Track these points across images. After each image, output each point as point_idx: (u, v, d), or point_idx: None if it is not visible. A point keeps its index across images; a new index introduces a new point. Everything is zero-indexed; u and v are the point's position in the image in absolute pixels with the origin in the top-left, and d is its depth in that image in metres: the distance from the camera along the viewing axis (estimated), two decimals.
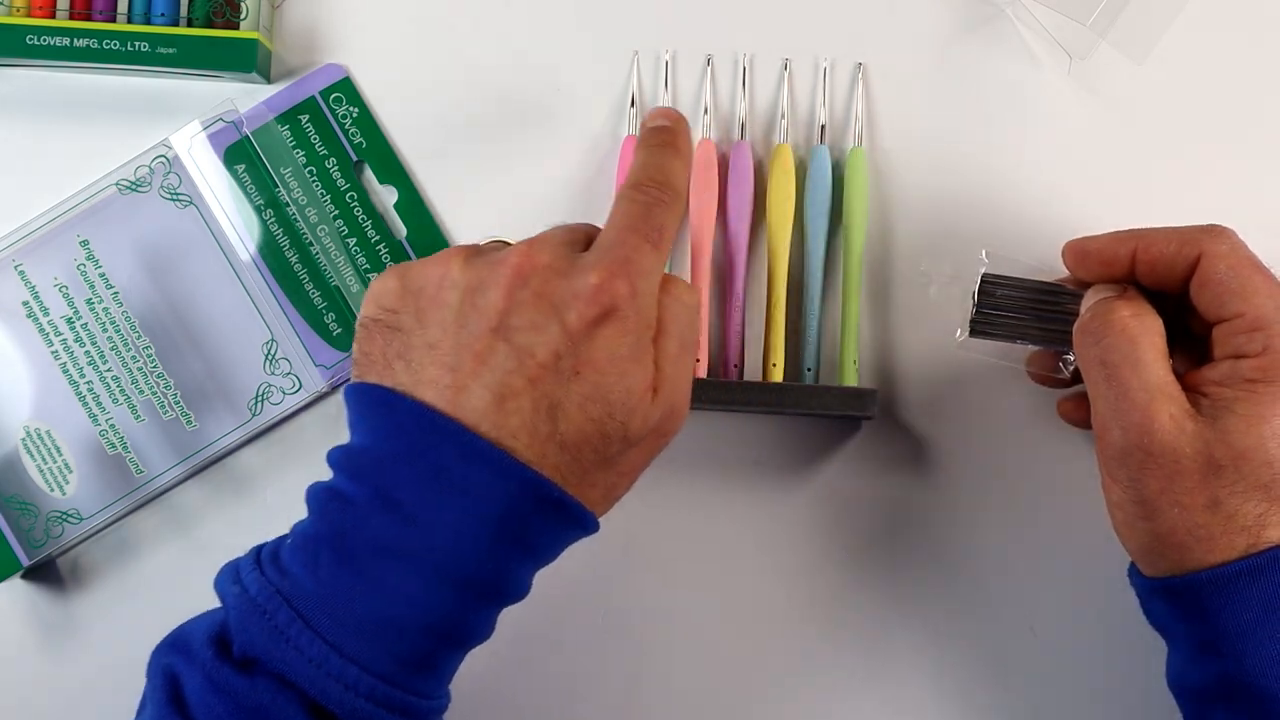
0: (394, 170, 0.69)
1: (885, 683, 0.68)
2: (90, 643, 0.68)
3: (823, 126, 0.69)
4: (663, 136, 0.59)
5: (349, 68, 0.70)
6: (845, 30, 0.69)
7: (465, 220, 0.70)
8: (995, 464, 0.68)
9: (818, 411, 0.66)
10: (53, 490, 0.67)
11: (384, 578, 0.52)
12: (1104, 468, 0.57)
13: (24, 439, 0.68)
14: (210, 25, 0.68)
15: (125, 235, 0.68)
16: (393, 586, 0.52)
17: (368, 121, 0.70)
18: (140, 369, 0.68)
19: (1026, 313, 0.62)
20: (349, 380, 0.56)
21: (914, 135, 0.69)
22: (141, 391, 0.68)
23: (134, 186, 0.68)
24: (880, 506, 0.68)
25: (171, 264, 0.68)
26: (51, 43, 0.67)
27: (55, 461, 0.68)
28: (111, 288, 0.68)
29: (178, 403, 0.68)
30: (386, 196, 0.70)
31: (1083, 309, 0.60)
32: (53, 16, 0.68)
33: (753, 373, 0.68)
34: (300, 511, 0.55)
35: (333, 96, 0.69)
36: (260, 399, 0.68)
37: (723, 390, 0.66)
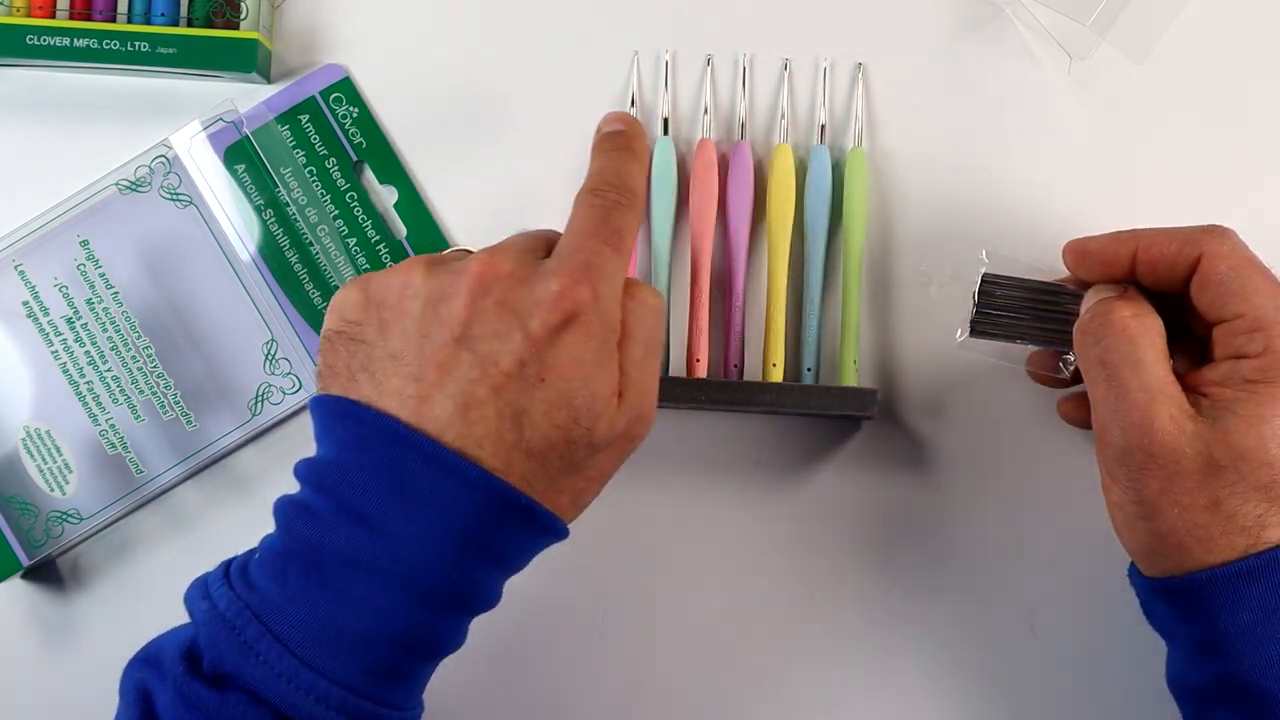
0: (394, 170, 0.69)
1: (885, 683, 0.68)
2: (90, 643, 0.68)
3: (823, 126, 0.69)
4: (618, 140, 0.60)
5: (349, 68, 0.70)
6: (845, 30, 0.69)
7: (465, 220, 0.70)
8: (995, 464, 0.68)
9: (818, 411, 0.66)
10: (53, 490, 0.67)
11: (351, 590, 0.52)
12: (1104, 468, 0.57)
13: (24, 439, 0.68)
14: (210, 25, 0.68)
15: (125, 235, 0.68)
16: (361, 599, 0.52)
17: (368, 121, 0.70)
18: (140, 369, 0.68)
19: (1026, 313, 0.62)
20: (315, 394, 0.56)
21: (914, 135, 0.69)
22: (141, 391, 0.68)
23: (134, 186, 0.68)
24: (880, 506, 0.68)
25: (171, 264, 0.68)
26: (51, 43, 0.67)
27: (55, 461, 0.68)
28: (111, 288, 0.68)
29: (178, 403, 0.68)
30: (386, 196, 0.70)
31: (1083, 309, 0.60)
32: (53, 16, 0.68)
33: (753, 373, 0.68)
34: None
35: (333, 96, 0.69)
36: (260, 399, 0.68)
37: (722, 390, 0.66)
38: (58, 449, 0.68)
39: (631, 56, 0.69)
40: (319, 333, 0.68)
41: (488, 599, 0.55)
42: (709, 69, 0.69)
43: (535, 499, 0.53)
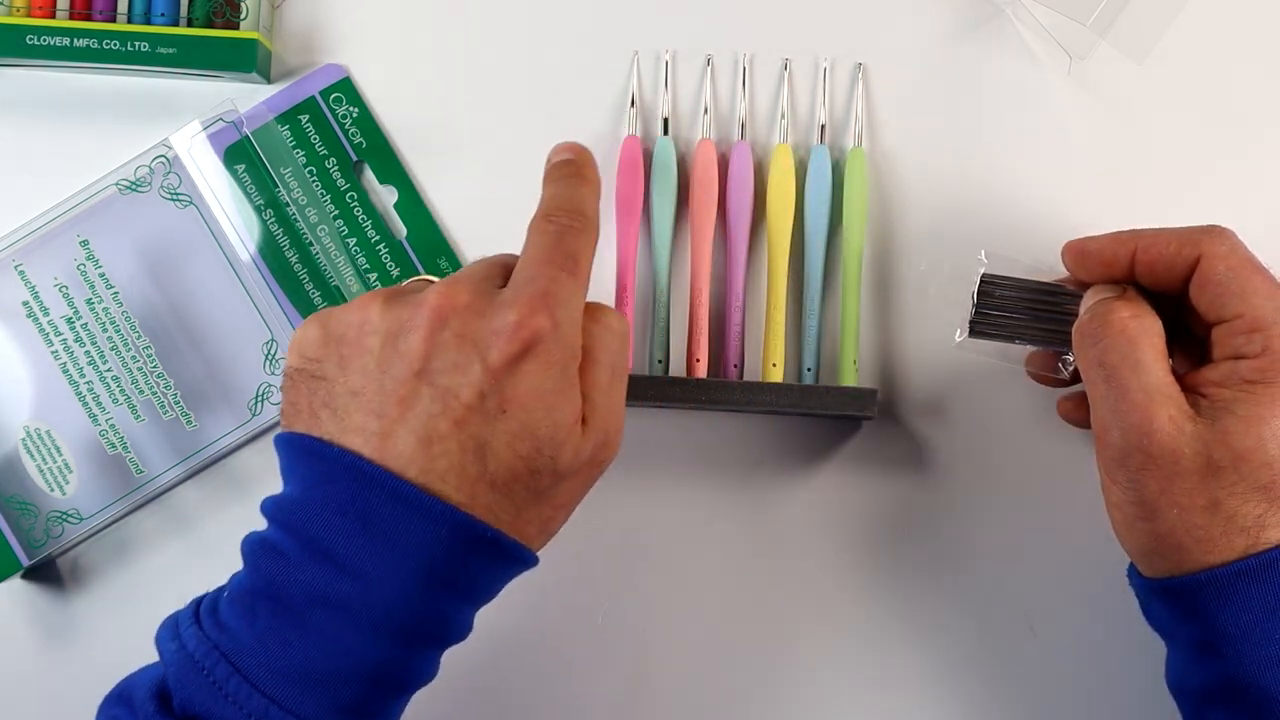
0: (394, 170, 0.69)
1: (885, 683, 0.68)
2: (90, 643, 0.68)
3: (823, 126, 0.69)
4: (567, 169, 0.59)
5: (349, 68, 0.70)
6: (845, 30, 0.69)
7: (465, 220, 0.70)
8: (995, 464, 0.68)
9: (817, 411, 0.66)
10: (53, 490, 0.67)
11: (320, 628, 0.52)
12: (1103, 469, 0.57)
13: (24, 439, 0.68)
14: (210, 25, 0.68)
15: (125, 235, 0.68)
16: (330, 637, 0.52)
17: (367, 121, 0.70)
18: (140, 369, 0.68)
19: (1026, 313, 0.62)
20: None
21: (914, 135, 0.69)
22: (141, 391, 0.68)
23: (134, 186, 0.68)
24: (880, 506, 0.68)
25: (171, 264, 0.68)
26: (51, 43, 0.67)
27: (55, 461, 0.68)
28: (111, 288, 0.68)
29: (178, 403, 0.68)
30: (386, 196, 0.70)
31: (1082, 309, 0.60)
32: (53, 16, 0.68)
33: (753, 373, 0.68)
34: None
35: (333, 96, 0.69)
36: (260, 399, 0.68)
37: (722, 390, 0.66)
38: (58, 449, 0.68)
39: (631, 56, 0.70)
40: None
41: (458, 631, 0.55)
42: (709, 69, 0.69)
43: (502, 530, 0.53)
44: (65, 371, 0.68)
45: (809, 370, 0.67)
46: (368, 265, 0.69)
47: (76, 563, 0.68)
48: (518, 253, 0.57)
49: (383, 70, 0.70)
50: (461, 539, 0.52)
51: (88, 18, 0.68)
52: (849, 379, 0.67)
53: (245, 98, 0.69)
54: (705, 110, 0.69)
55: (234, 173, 0.68)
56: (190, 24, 0.68)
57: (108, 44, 0.67)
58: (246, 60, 0.67)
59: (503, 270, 0.56)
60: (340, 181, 0.69)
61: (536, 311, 0.52)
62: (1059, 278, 0.62)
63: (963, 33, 0.69)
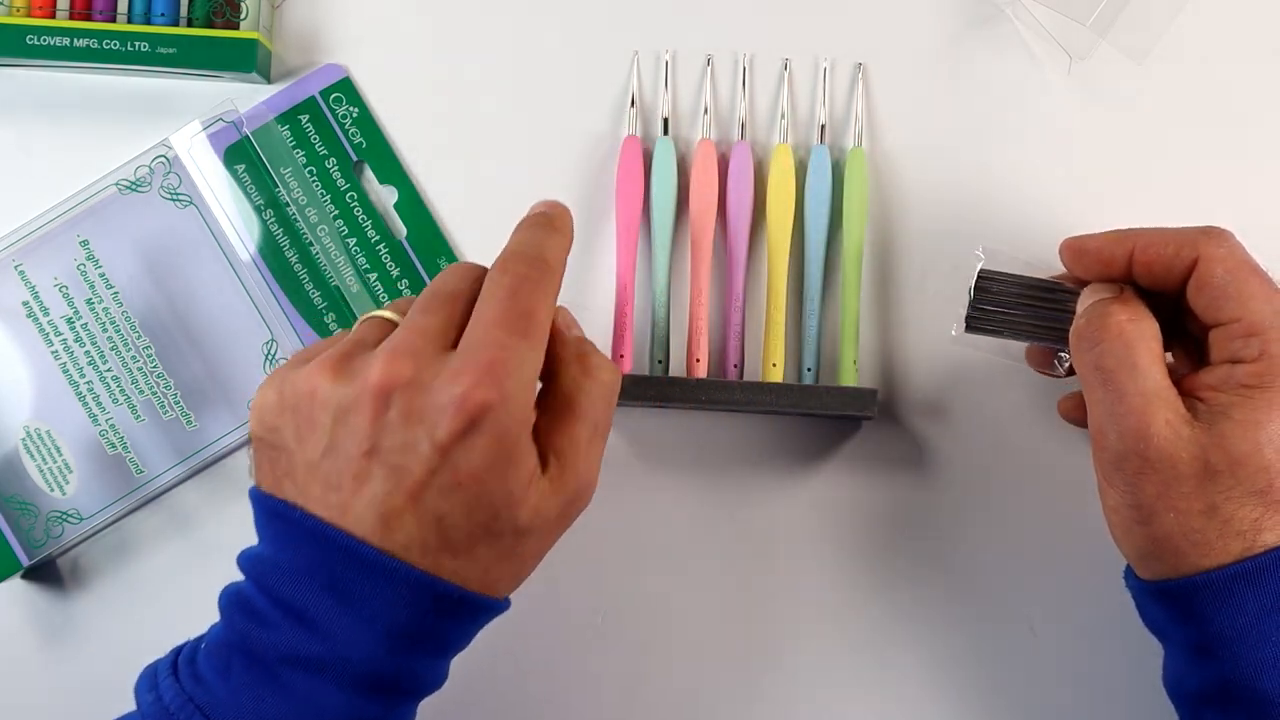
0: (394, 170, 0.69)
1: (885, 683, 0.68)
2: (90, 643, 0.68)
3: (823, 126, 0.69)
4: (538, 219, 0.58)
5: (349, 68, 0.70)
6: (845, 30, 0.69)
7: (465, 220, 0.70)
8: (995, 464, 0.68)
9: (817, 411, 0.66)
10: (53, 490, 0.67)
11: (293, 685, 0.52)
12: (1100, 472, 0.57)
13: (24, 439, 0.68)
14: (210, 25, 0.68)
15: (125, 235, 0.68)
16: (301, 694, 0.52)
17: (367, 121, 0.70)
18: (140, 369, 0.68)
19: (1022, 309, 0.62)
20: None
21: (914, 135, 0.69)
22: (141, 391, 0.68)
23: (134, 186, 0.68)
24: (880, 506, 0.68)
25: (171, 264, 0.68)
26: (51, 43, 0.67)
27: (55, 461, 0.68)
28: (111, 288, 0.68)
29: (178, 403, 0.68)
30: (386, 196, 0.70)
31: (1079, 309, 0.60)
32: (53, 16, 0.68)
33: (753, 373, 0.68)
34: None
35: (333, 96, 0.69)
36: None
37: (723, 390, 0.66)
38: (58, 449, 0.68)
39: (631, 56, 0.70)
40: (319, 333, 0.68)
41: (432, 683, 0.55)
42: (709, 69, 0.69)
43: (468, 588, 0.53)
44: (65, 371, 0.68)
45: (809, 370, 0.67)
46: (368, 265, 0.69)
47: (76, 563, 0.68)
48: (481, 268, 0.56)
49: (383, 70, 0.70)
50: (427, 600, 0.52)
51: (88, 18, 0.68)
52: (849, 379, 0.67)
53: (245, 98, 0.69)
54: (705, 110, 0.69)
55: (234, 173, 0.68)
56: (190, 24, 0.68)
57: (108, 44, 0.67)
58: (246, 60, 0.67)
59: (464, 306, 0.55)
60: (340, 181, 0.69)
61: (481, 384, 0.51)
62: (1056, 275, 0.62)
63: (963, 33, 0.69)
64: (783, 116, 0.69)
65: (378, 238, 0.69)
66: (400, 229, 0.69)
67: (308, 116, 0.69)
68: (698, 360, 0.67)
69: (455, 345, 0.53)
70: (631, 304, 0.67)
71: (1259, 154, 0.69)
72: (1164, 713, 0.59)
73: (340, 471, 0.52)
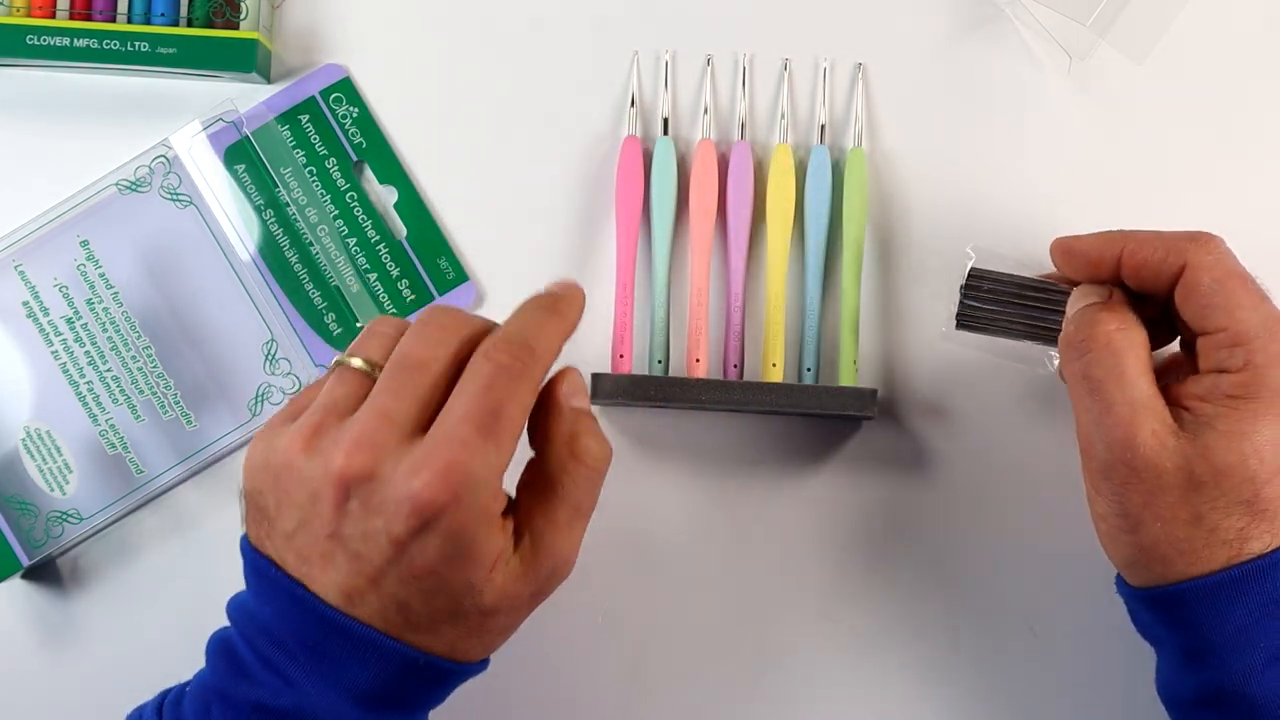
0: (394, 170, 0.69)
1: (885, 682, 0.68)
2: (90, 643, 0.68)
3: (822, 126, 0.69)
4: (541, 300, 0.57)
5: (349, 68, 0.70)
6: (845, 30, 0.69)
7: (465, 220, 0.70)
8: (995, 464, 0.68)
9: (817, 411, 0.66)
10: (53, 490, 0.67)
11: None
12: (1088, 480, 0.57)
13: (24, 439, 0.68)
14: (210, 25, 0.68)
15: (125, 235, 0.68)
16: None
17: (367, 121, 0.70)
18: (140, 369, 0.68)
19: (1013, 307, 0.62)
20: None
21: (914, 135, 0.69)
22: (141, 391, 0.68)
23: (134, 186, 0.68)
24: (880, 506, 0.68)
25: (171, 264, 0.68)
26: (51, 43, 0.67)
27: (55, 461, 0.68)
28: (111, 288, 0.68)
29: (178, 403, 0.68)
30: (386, 196, 0.70)
31: (1069, 310, 0.59)
32: (53, 16, 0.68)
33: (753, 373, 0.68)
34: None
35: (332, 96, 0.69)
36: (260, 399, 0.68)
37: (723, 390, 0.66)
38: (58, 449, 0.68)
39: (631, 56, 0.69)
40: (318, 333, 0.68)
41: None
42: (709, 69, 0.69)
43: (437, 656, 0.54)
44: (65, 371, 0.68)
45: (809, 370, 0.67)
46: (368, 265, 0.69)
47: (76, 563, 0.68)
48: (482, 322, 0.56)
49: (383, 70, 0.70)
50: (398, 665, 0.53)
51: (88, 18, 0.68)
52: (849, 379, 0.67)
53: (245, 98, 0.69)
54: (705, 110, 0.69)
55: (234, 173, 0.68)
56: (190, 24, 0.68)
57: (108, 44, 0.67)
58: (246, 60, 0.67)
59: (432, 380, 0.54)
60: (340, 181, 0.69)
61: (434, 485, 0.51)
62: (1048, 274, 0.62)
63: (963, 33, 0.69)
64: (783, 116, 0.69)
65: (378, 238, 0.69)
66: (400, 229, 0.69)
67: (308, 116, 0.69)
68: (698, 360, 0.67)
69: (424, 426, 0.53)
70: (631, 304, 0.67)
71: (1258, 154, 0.69)
72: (1163, 714, 0.59)
73: (310, 548, 0.53)
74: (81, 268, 0.68)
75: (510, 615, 0.55)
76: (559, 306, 0.57)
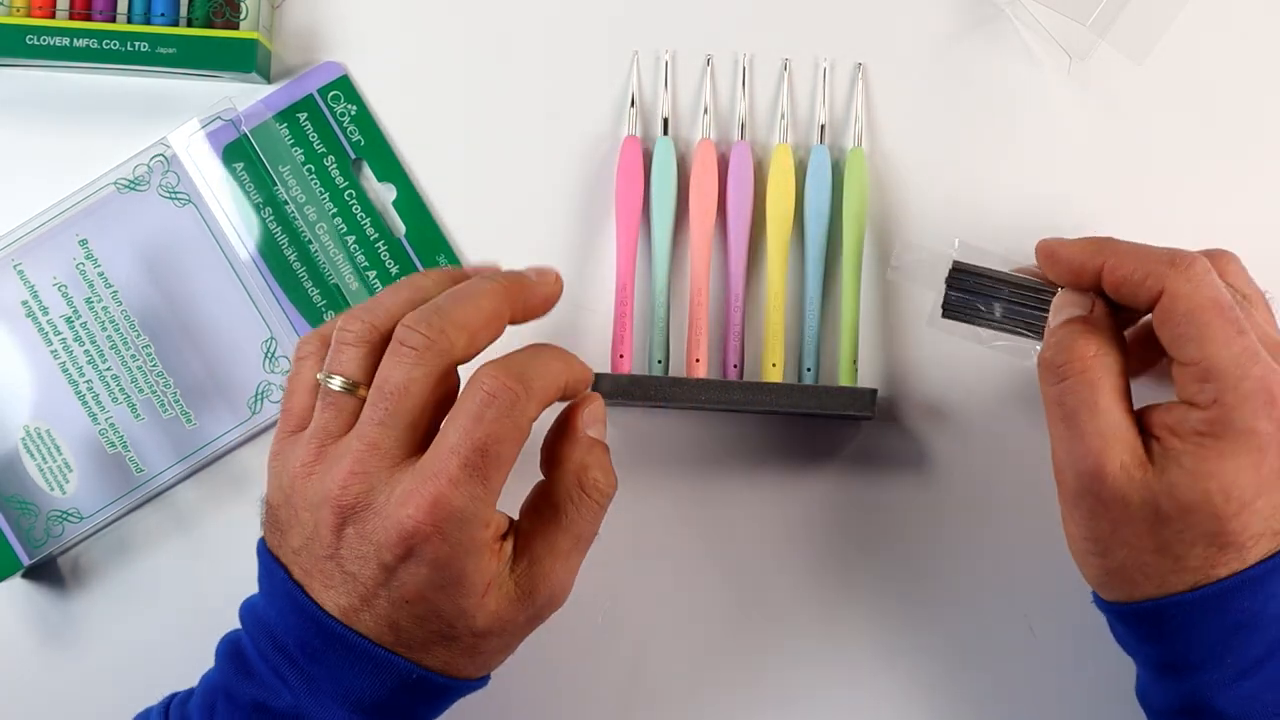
0: (392, 168, 0.69)
1: (884, 682, 0.68)
2: (90, 643, 0.68)
3: (822, 126, 0.69)
4: (554, 348, 0.58)
5: (347, 66, 0.70)
6: (845, 30, 0.69)
7: (464, 218, 0.70)
8: (995, 464, 0.68)
9: (817, 411, 0.66)
10: (53, 490, 0.67)
11: None
12: (1061, 501, 0.57)
13: (24, 439, 0.67)
14: (210, 25, 0.68)
15: (124, 234, 0.68)
16: None
17: (366, 119, 0.69)
18: (140, 368, 0.68)
19: (996, 303, 0.62)
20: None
21: (914, 135, 0.69)
22: (141, 390, 0.68)
23: (132, 185, 0.68)
24: (880, 506, 0.68)
25: (170, 263, 0.68)
26: (51, 43, 0.67)
27: (55, 461, 0.68)
28: (110, 287, 0.68)
29: (177, 401, 0.68)
30: (385, 194, 0.70)
31: (1050, 319, 0.59)
32: (53, 16, 0.68)
33: (752, 373, 0.68)
34: None
35: (331, 94, 0.69)
36: (260, 397, 0.68)
37: (723, 390, 0.66)
38: (58, 448, 0.68)
39: (631, 56, 0.69)
40: None
41: None
42: (709, 69, 0.69)
43: (432, 672, 0.55)
44: (65, 371, 0.68)
45: (808, 370, 0.68)
46: (367, 263, 0.69)
47: (76, 562, 0.68)
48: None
49: (381, 68, 0.70)
50: (392, 679, 0.54)
51: (88, 18, 0.68)
52: (848, 379, 0.67)
53: (244, 98, 0.69)
54: (705, 110, 0.69)
55: (232, 171, 0.68)
56: (190, 24, 0.68)
57: (108, 44, 0.67)
58: (246, 60, 0.67)
59: (416, 403, 0.54)
60: (339, 179, 0.69)
61: (418, 517, 0.52)
62: (1031, 269, 0.62)
63: (963, 33, 0.69)
64: (782, 116, 0.69)
65: (376, 235, 0.69)
66: (399, 226, 0.69)
67: (306, 114, 0.69)
68: (698, 360, 0.67)
69: (414, 448, 0.54)
70: (631, 304, 0.67)
71: (1258, 153, 0.69)
72: None
73: (312, 565, 0.55)
74: (80, 266, 0.68)
75: (504, 638, 0.56)
76: (566, 355, 0.58)
